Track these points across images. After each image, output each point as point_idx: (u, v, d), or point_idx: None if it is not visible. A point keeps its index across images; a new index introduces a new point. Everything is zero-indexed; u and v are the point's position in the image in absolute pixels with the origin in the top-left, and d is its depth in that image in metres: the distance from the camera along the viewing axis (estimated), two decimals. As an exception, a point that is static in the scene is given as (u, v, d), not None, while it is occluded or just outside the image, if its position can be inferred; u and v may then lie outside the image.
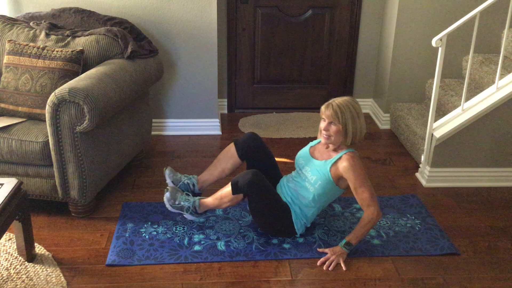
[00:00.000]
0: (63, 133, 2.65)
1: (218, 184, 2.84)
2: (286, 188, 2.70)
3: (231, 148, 2.83)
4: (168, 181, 2.85)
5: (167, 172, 2.85)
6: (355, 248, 2.59)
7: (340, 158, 2.54)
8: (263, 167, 2.75)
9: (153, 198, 3.08)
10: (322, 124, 2.56)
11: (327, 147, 2.63)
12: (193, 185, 2.85)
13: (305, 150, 2.76)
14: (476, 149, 3.27)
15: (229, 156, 2.83)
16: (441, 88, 3.86)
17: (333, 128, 2.53)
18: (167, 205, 2.68)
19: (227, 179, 2.72)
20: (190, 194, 2.75)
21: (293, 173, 2.76)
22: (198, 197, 2.73)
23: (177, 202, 2.67)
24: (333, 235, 2.74)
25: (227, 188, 2.60)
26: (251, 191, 2.55)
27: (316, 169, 2.60)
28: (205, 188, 2.90)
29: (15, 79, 2.94)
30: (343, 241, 2.54)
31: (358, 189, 2.50)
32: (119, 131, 3.04)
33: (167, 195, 2.67)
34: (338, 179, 2.57)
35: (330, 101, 2.56)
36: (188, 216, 2.70)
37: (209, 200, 2.68)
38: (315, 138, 4.01)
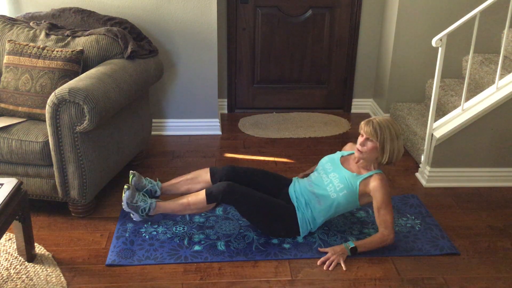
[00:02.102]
0: (63, 133, 2.65)
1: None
2: (302, 189, 2.70)
3: (205, 176, 2.81)
4: (127, 194, 2.69)
5: (134, 179, 2.78)
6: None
7: (371, 176, 2.59)
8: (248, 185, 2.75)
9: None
10: (359, 139, 2.59)
11: (357, 162, 2.65)
12: (156, 192, 2.83)
13: (335, 156, 2.78)
14: (476, 149, 3.27)
15: (201, 180, 2.81)
16: (441, 88, 3.86)
17: (369, 144, 2.56)
18: (124, 203, 2.65)
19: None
20: (146, 195, 2.73)
21: (313, 176, 2.76)
22: (154, 200, 2.71)
23: (134, 201, 2.66)
24: (333, 235, 2.74)
25: (199, 197, 2.61)
26: (227, 199, 2.58)
27: (345, 177, 2.62)
28: (163, 195, 2.89)
29: (15, 79, 2.94)
30: (351, 244, 2.55)
31: (382, 210, 2.55)
32: (119, 131, 3.04)
33: (127, 193, 2.64)
34: (362, 195, 2.61)
35: (371, 118, 2.60)
36: (136, 216, 2.69)
37: (170, 205, 2.67)
38: (315, 138, 4.03)
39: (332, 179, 2.65)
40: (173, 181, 2.87)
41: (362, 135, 2.59)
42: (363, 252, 2.56)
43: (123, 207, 2.67)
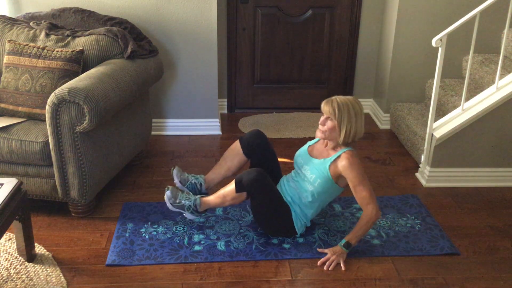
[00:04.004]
0: (63, 133, 2.65)
1: (224, 183, 2.82)
2: (286, 187, 2.70)
3: (236, 146, 2.83)
4: (176, 180, 2.84)
5: (174, 171, 2.84)
6: (355, 248, 2.59)
7: (339, 156, 2.55)
8: (267, 165, 2.75)
9: (153, 198, 3.08)
10: (320, 119, 2.58)
11: (326, 145, 2.63)
12: (200, 184, 2.84)
13: (303, 149, 2.76)
14: (476, 149, 3.27)
15: (234, 154, 2.83)
16: (441, 88, 3.86)
17: (329, 123, 2.54)
18: (168, 204, 2.67)
19: (234, 177, 2.69)
20: (190, 193, 2.75)
21: (293, 172, 2.76)
22: (199, 196, 2.72)
23: (177, 201, 2.67)
24: (333, 235, 2.74)
25: (231, 186, 2.60)
26: (254, 189, 2.55)
27: (315, 167, 2.60)
28: (211, 188, 2.90)
29: (15, 79, 2.94)
30: (343, 241, 2.54)
31: (357, 188, 2.50)
32: (119, 131, 3.04)
33: (168, 193, 2.66)
34: (337, 178, 2.58)
35: (332, 97, 2.57)
36: (188, 215, 2.70)
37: (211, 199, 2.68)
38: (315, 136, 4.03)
39: (305, 172, 2.64)
40: (213, 169, 2.89)
41: (323, 115, 2.57)
42: (363, 253, 2.56)
43: (169, 208, 2.68)
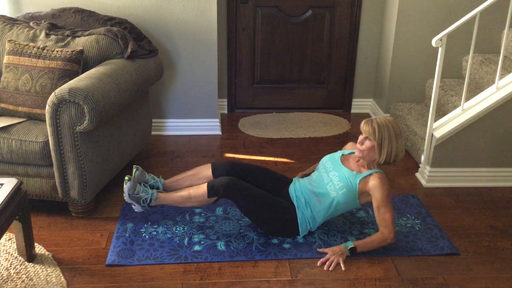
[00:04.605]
0: (63, 133, 2.65)
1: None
2: (302, 189, 2.70)
3: (207, 171, 2.81)
4: (129, 183, 2.69)
5: (137, 173, 2.78)
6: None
7: (370, 174, 2.59)
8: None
9: (153, 198, 3.08)
10: (359, 138, 2.60)
11: (358, 161, 2.66)
12: (158, 188, 2.82)
13: (335, 155, 2.78)
14: (476, 149, 3.27)
15: (203, 176, 2.82)
16: (441, 88, 3.86)
17: (367, 143, 2.57)
18: (126, 195, 2.65)
19: None
20: (147, 186, 2.74)
21: (313, 175, 2.77)
22: (155, 190, 2.72)
23: (135, 192, 2.66)
24: (333, 235, 2.74)
25: (200, 190, 2.61)
26: (228, 193, 2.59)
27: (345, 176, 2.62)
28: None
29: (15, 79, 2.94)
30: (350, 244, 2.55)
31: (381, 209, 2.54)
32: (119, 131, 3.04)
33: (128, 184, 2.64)
34: (362, 194, 2.61)
35: (372, 117, 2.60)
36: (137, 207, 2.68)
37: (172, 196, 2.68)
38: (315, 138, 4.03)
39: (332, 178, 2.65)
40: (175, 177, 2.88)
41: (362, 134, 2.60)
42: (363, 252, 2.56)
43: (125, 198, 2.67)
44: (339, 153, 2.80)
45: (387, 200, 2.55)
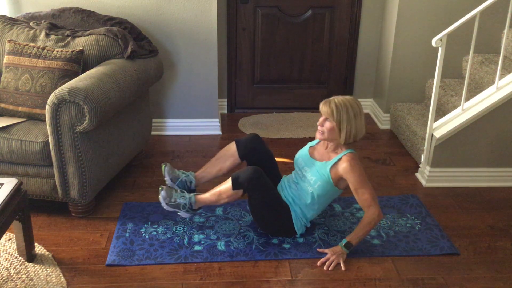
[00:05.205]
0: (63, 133, 2.65)
1: (213, 183, 2.82)
2: (287, 188, 2.70)
3: (232, 147, 2.82)
4: (167, 178, 2.82)
5: (166, 169, 2.82)
6: (355, 248, 2.58)
7: (340, 159, 2.55)
8: (263, 168, 2.74)
9: (153, 198, 3.08)
10: (319, 120, 2.57)
11: (326, 147, 2.63)
12: (190, 182, 2.83)
13: (304, 150, 2.76)
14: (476, 149, 3.27)
15: (229, 155, 2.82)
16: (441, 88, 3.86)
17: (327, 124, 2.53)
18: (163, 204, 2.65)
19: (224, 178, 2.70)
20: (184, 191, 2.74)
21: (293, 173, 2.76)
22: (193, 194, 2.71)
23: (172, 200, 2.66)
24: (333, 235, 2.74)
25: (227, 184, 2.59)
26: (251, 186, 2.55)
27: (316, 169, 2.60)
28: (200, 185, 2.89)
29: (15, 79, 2.94)
30: (343, 241, 2.54)
31: (359, 190, 2.51)
32: (119, 131, 3.04)
33: (162, 193, 2.65)
34: (338, 180, 2.58)
35: (331, 98, 2.56)
36: (183, 213, 2.68)
37: (206, 196, 2.67)
38: (315, 138, 4.03)
39: (305, 174, 2.64)
40: (204, 167, 2.88)
41: (322, 115, 2.57)
42: (363, 252, 2.56)
43: (164, 207, 2.67)
44: (307, 146, 2.77)
45: (362, 180, 2.50)
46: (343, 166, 2.51)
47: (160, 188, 2.67)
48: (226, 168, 2.83)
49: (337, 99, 2.53)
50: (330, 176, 2.55)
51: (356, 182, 2.50)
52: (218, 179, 2.83)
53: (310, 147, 2.75)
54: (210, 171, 2.85)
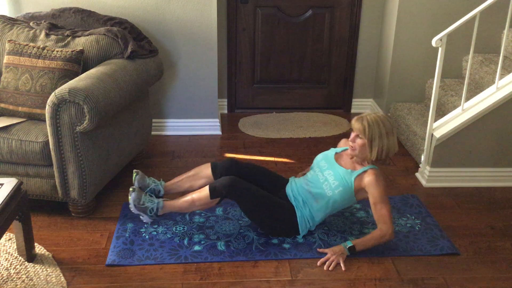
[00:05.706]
0: (63, 133, 2.65)
1: (180, 194, 2.81)
2: (298, 188, 2.70)
3: (207, 170, 2.80)
4: (136, 186, 2.76)
5: (137, 177, 2.78)
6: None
7: (365, 171, 2.58)
8: (253, 181, 2.73)
9: (153, 198, 3.08)
10: (351, 135, 2.60)
11: (352, 158, 2.65)
12: (159, 191, 2.81)
13: (329, 153, 2.78)
14: (476, 149, 3.27)
15: (202, 175, 2.80)
16: (441, 88, 3.86)
17: (359, 141, 2.56)
18: (131, 206, 2.64)
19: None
20: (153, 195, 2.73)
21: (309, 174, 2.76)
22: (161, 199, 2.70)
23: (141, 203, 2.64)
24: (333, 235, 2.74)
25: (203, 193, 2.60)
26: (230, 194, 2.57)
27: (340, 175, 2.62)
28: (168, 195, 2.88)
29: (15, 79, 2.94)
30: (348, 244, 2.55)
31: (378, 205, 2.54)
32: (119, 131, 3.04)
33: (133, 195, 2.63)
34: (358, 191, 2.61)
35: (363, 114, 2.59)
36: (146, 218, 2.66)
37: (176, 203, 2.66)
38: (315, 138, 4.03)
39: (327, 177, 2.65)
40: (175, 179, 2.87)
41: (353, 131, 2.59)
42: (363, 251, 2.56)
43: (131, 209, 2.65)
44: (332, 151, 2.79)
45: (384, 196, 2.55)
46: (369, 179, 2.55)
47: (131, 189, 2.65)
48: (197, 187, 2.79)
49: (370, 116, 2.56)
50: (353, 185, 2.59)
51: (378, 196, 2.54)
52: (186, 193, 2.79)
53: (336, 153, 2.76)
54: (181, 185, 2.84)
